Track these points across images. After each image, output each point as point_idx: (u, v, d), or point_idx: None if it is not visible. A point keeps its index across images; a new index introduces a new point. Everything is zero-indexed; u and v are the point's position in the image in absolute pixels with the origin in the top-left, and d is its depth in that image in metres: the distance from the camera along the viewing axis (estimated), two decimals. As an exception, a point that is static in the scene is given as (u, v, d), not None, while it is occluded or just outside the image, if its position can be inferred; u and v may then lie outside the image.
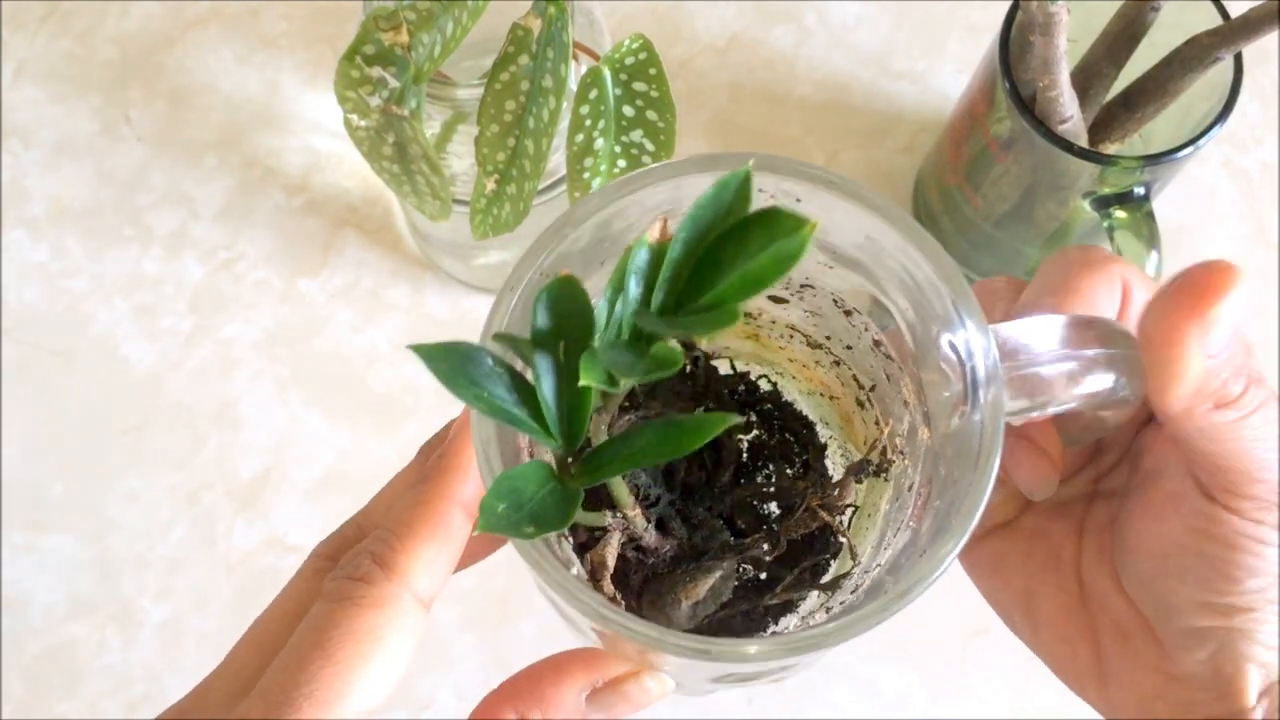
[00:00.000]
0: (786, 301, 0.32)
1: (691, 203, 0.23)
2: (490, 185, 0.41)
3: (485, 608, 0.53)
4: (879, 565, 0.30)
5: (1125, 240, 0.48)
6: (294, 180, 0.59)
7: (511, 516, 0.23)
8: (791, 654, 0.25)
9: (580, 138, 0.41)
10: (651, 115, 0.41)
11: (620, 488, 0.27)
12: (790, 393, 0.35)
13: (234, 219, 0.58)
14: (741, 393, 0.34)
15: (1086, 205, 0.49)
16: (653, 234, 0.24)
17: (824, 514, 0.30)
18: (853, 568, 0.32)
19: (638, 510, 0.28)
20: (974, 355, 0.26)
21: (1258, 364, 0.29)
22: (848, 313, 0.32)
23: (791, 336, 0.34)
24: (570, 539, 0.30)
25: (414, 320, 0.57)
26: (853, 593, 0.30)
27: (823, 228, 0.27)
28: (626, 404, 0.31)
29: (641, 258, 0.24)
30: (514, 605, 0.54)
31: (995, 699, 0.52)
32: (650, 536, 0.29)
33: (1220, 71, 0.46)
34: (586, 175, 0.41)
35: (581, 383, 0.22)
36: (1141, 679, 0.31)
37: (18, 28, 0.61)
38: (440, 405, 0.56)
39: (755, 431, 0.34)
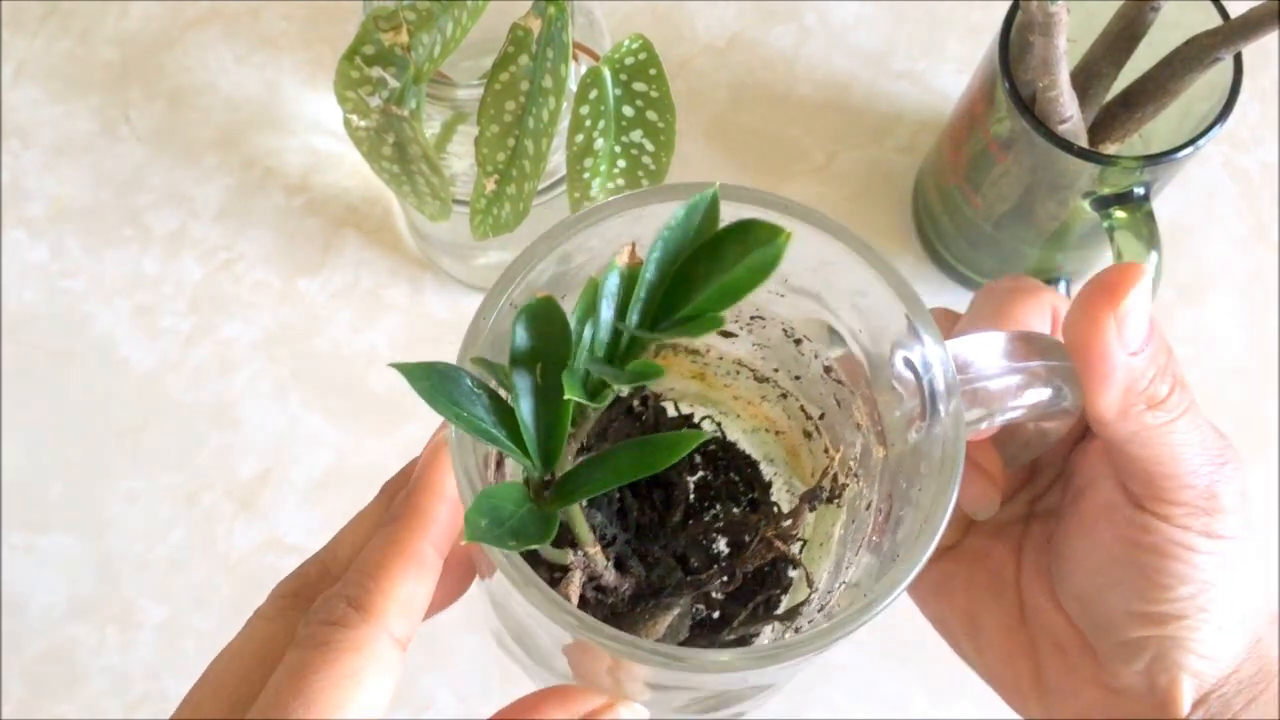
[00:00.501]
0: (736, 335, 0.33)
1: (654, 232, 0.24)
2: (490, 185, 0.41)
3: (485, 608, 0.53)
4: (842, 584, 0.31)
5: (1125, 240, 0.48)
6: (294, 180, 0.59)
7: (494, 531, 0.23)
8: (764, 663, 0.25)
9: (580, 138, 0.41)
10: (651, 115, 0.41)
11: (581, 525, 0.27)
12: (734, 432, 0.35)
13: (234, 219, 0.58)
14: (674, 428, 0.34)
15: (1086, 205, 0.49)
16: (622, 259, 0.24)
17: (779, 544, 0.30)
18: (810, 594, 0.32)
19: (598, 548, 0.28)
20: (932, 369, 0.27)
21: (1180, 368, 0.29)
22: (798, 341, 0.32)
23: (738, 373, 0.34)
24: None
25: (414, 320, 0.57)
26: (810, 621, 0.31)
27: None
28: (578, 447, 0.32)
29: (613, 282, 0.24)
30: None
31: (995, 700, 0.52)
32: (610, 575, 0.29)
33: (1220, 71, 0.46)
34: (586, 175, 0.41)
35: (565, 396, 0.23)
36: (1080, 693, 0.32)
37: (18, 28, 0.61)
38: (440, 405, 0.56)
39: (701, 473, 0.34)
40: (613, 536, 0.31)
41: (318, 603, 0.27)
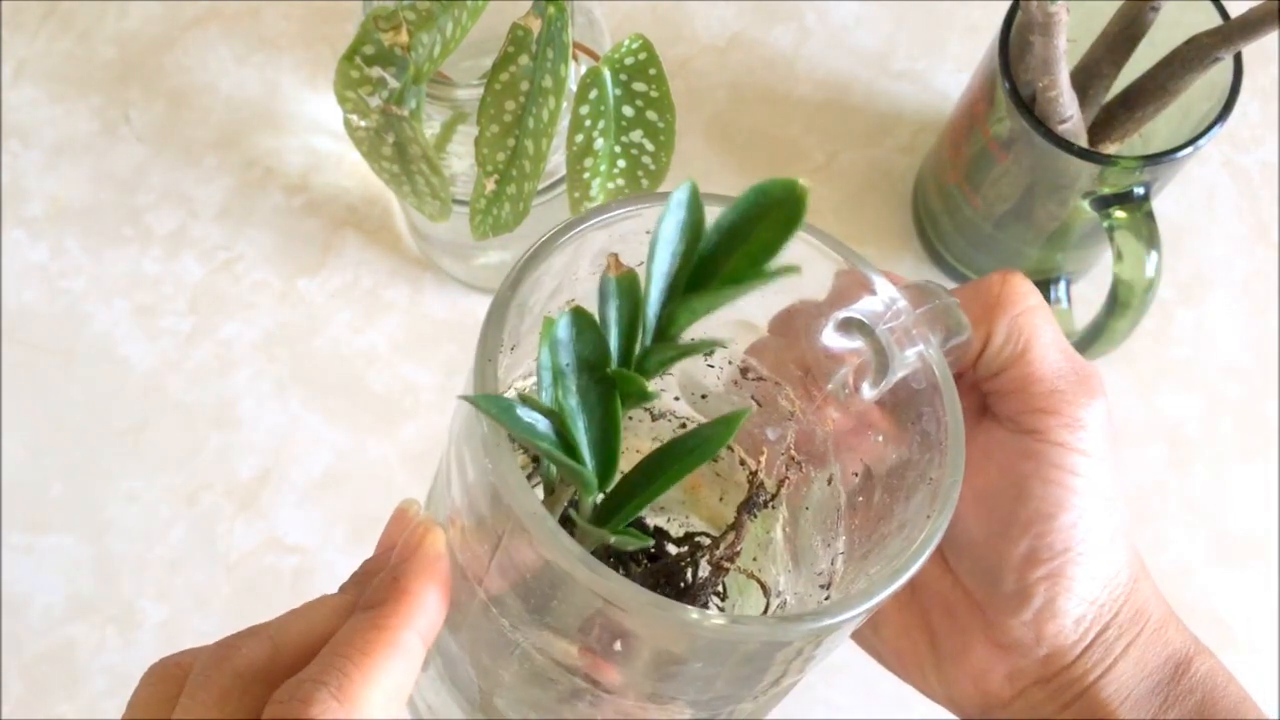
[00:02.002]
0: None
1: (619, 246, 0.24)
2: (490, 185, 0.41)
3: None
4: (823, 571, 0.31)
5: (1125, 240, 0.48)
6: (294, 180, 0.59)
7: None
8: (776, 631, 0.25)
9: (580, 138, 0.41)
10: (651, 115, 0.41)
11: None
12: None
13: (233, 219, 0.58)
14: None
15: (1086, 205, 0.49)
16: (611, 270, 0.24)
17: (727, 564, 0.30)
18: (771, 599, 0.32)
19: None
20: (884, 316, 0.28)
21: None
22: (709, 353, 0.32)
23: (631, 417, 0.33)
24: None
25: (414, 320, 0.57)
26: (819, 604, 0.31)
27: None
28: None
29: (611, 288, 0.24)
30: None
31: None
32: None
33: (1220, 71, 0.46)
34: (586, 175, 0.41)
35: (624, 395, 0.23)
36: (971, 652, 0.33)
37: (18, 28, 0.61)
38: (439, 405, 0.56)
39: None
40: None
41: (286, 689, 0.24)
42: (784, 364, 0.32)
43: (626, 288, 0.24)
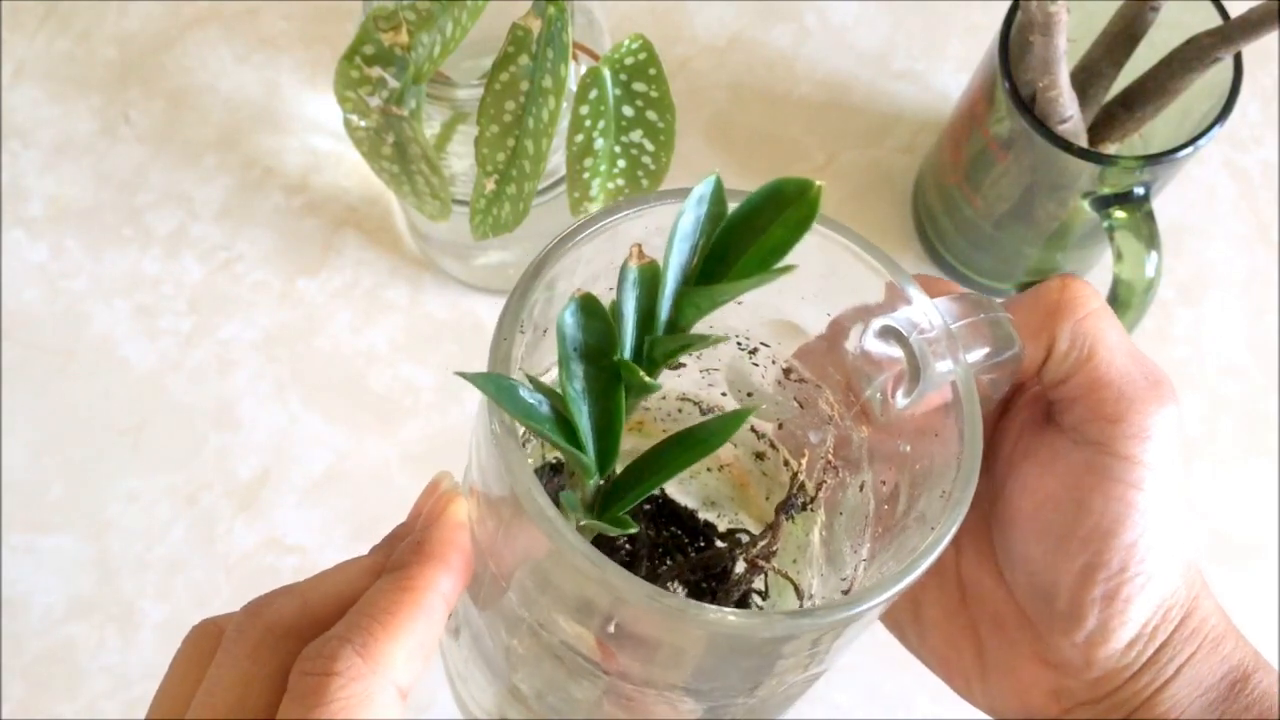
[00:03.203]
0: (683, 365, 0.32)
1: (646, 237, 0.24)
2: (490, 185, 0.41)
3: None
4: (847, 576, 0.31)
5: (1125, 240, 0.48)
6: (293, 180, 0.59)
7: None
8: (842, 612, 0.25)
9: (580, 138, 0.41)
10: (651, 115, 0.41)
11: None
12: (669, 484, 0.34)
13: (233, 219, 0.58)
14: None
15: (1086, 205, 0.49)
16: (632, 260, 0.24)
17: (763, 563, 0.31)
18: (803, 601, 0.32)
19: None
20: (917, 326, 0.27)
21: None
22: (753, 351, 0.32)
23: (681, 410, 0.34)
24: None
25: (414, 320, 0.57)
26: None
27: None
28: None
29: (631, 277, 0.24)
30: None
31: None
32: None
33: (1220, 71, 0.46)
34: (586, 175, 0.41)
35: (625, 377, 0.23)
36: (1019, 668, 0.32)
37: (17, 28, 0.61)
38: (440, 405, 0.56)
39: (648, 532, 0.34)
40: None
41: (314, 647, 0.26)
42: (826, 368, 0.31)
43: (647, 278, 0.24)
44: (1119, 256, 0.48)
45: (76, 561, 0.53)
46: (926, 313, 0.28)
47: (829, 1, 0.62)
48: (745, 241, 0.23)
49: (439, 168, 0.42)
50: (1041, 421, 0.32)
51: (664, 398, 0.34)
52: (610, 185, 0.42)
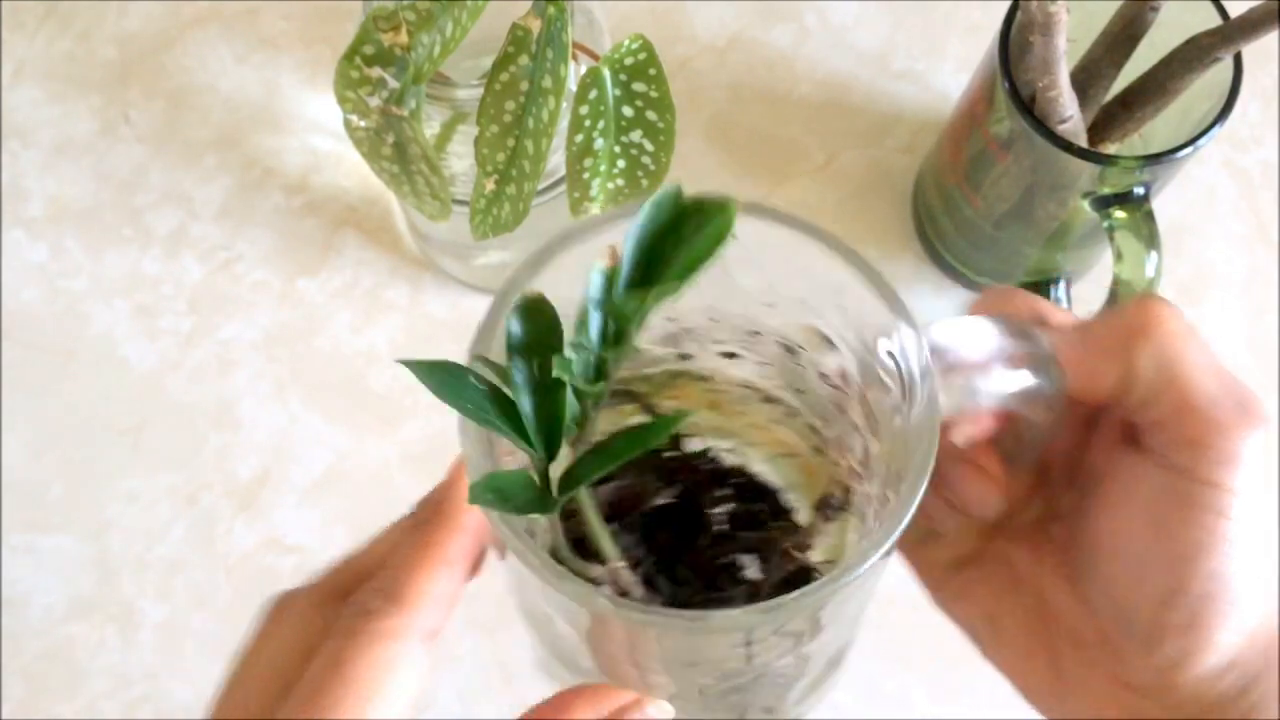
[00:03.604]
0: (739, 356, 0.34)
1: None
2: (490, 185, 0.41)
3: (486, 608, 0.53)
4: None
5: (1125, 240, 0.48)
6: (293, 180, 0.59)
7: (499, 501, 0.25)
8: (770, 614, 0.26)
9: (580, 138, 0.41)
10: (651, 115, 0.41)
11: (606, 540, 0.29)
12: (755, 463, 0.36)
13: (233, 219, 0.58)
14: (709, 465, 0.35)
15: (1086, 205, 0.49)
16: (603, 260, 0.25)
17: (796, 554, 0.32)
18: None
19: (624, 564, 0.29)
20: (908, 354, 0.28)
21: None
22: (793, 351, 0.33)
23: (748, 396, 0.35)
24: None
25: (413, 320, 0.57)
26: None
27: (759, 262, 0.29)
28: (604, 480, 0.33)
29: (596, 280, 0.25)
30: (514, 606, 0.54)
31: (995, 701, 0.52)
32: (637, 590, 0.30)
33: (1220, 71, 0.46)
34: (586, 175, 0.41)
35: (555, 373, 0.24)
36: (1096, 689, 0.32)
37: (17, 28, 0.61)
38: (440, 405, 0.55)
39: (727, 505, 0.35)
40: (640, 559, 0.33)
41: (354, 596, 0.29)
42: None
43: (609, 278, 0.25)
44: (1119, 256, 0.48)
45: (76, 561, 0.53)
46: (913, 342, 0.28)
47: (829, 1, 0.62)
48: (676, 250, 0.25)
49: (439, 168, 0.42)
50: (1126, 442, 0.31)
51: (730, 383, 0.35)
52: (610, 185, 0.42)
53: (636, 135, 0.41)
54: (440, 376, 0.26)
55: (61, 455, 0.55)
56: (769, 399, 0.35)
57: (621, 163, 0.42)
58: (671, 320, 0.33)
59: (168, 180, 0.59)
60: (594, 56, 0.43)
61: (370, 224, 0.58)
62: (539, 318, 0.26)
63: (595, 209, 0.43)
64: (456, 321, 0.57)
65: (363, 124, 0.40)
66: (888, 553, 0.27)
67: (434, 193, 0.43)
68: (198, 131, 0.60)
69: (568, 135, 0.41)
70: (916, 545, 0.35)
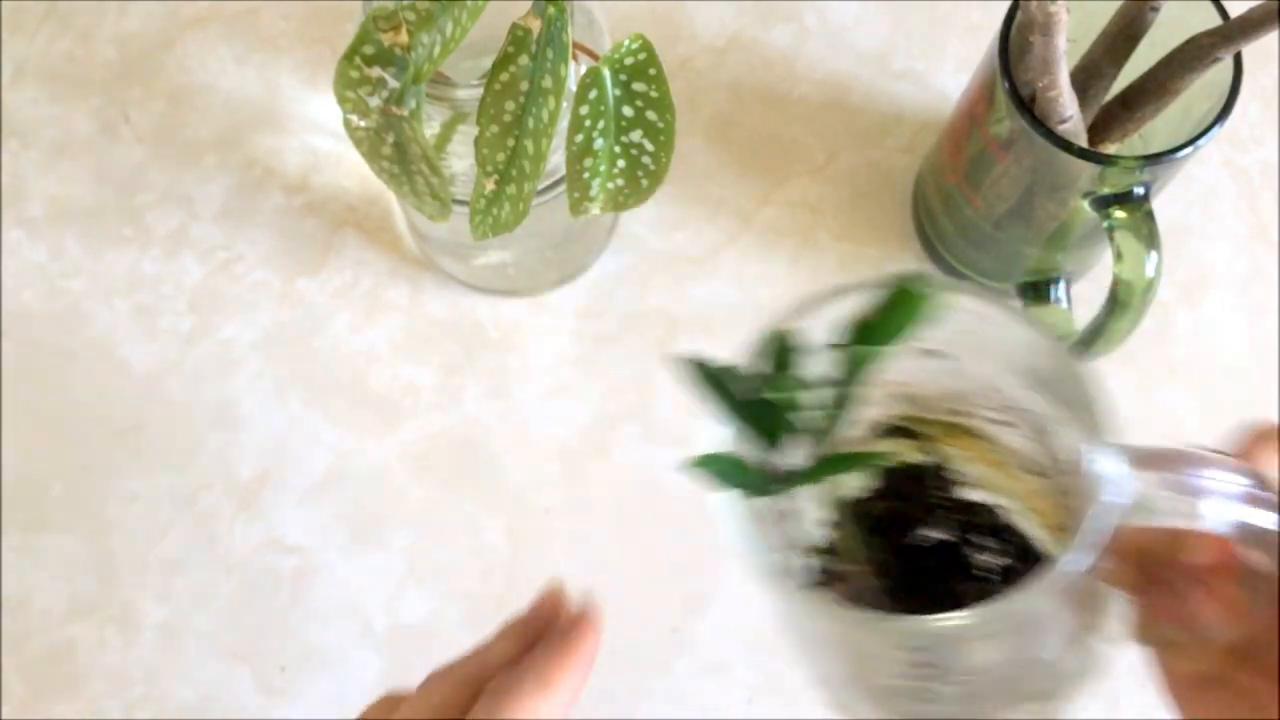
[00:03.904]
0: (1013, 425, 0.36)
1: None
2: (489, 185, 0.41)
3: (486, 608, 0.53)
4: None
5: (1125, 240, 0.48)
6: (293, 180, 0.59)
7: (720, 480, 0.30)
8: (996, 619, 0.29)
9: (580, 138, 0.41)
10: (651, 115, 0.41)
11: (849, 540, 0.34)
12: (1031, 529, 0.37)
13: (233, 219, 0.58)
14: (964, 510, 0.38)
15: (1086, 205, 0.49)
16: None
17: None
18: None
19: (869, 568, 0.34)
20: (1096, 461, 0.29)
21: None
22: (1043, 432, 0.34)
23: (1025, 465, 0.36)
24: None
25: (413, 320, 0.57)
26: None
27: (1010, 348, 0.32)
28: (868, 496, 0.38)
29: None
30: (514, 606, 0.54)
31: None
32: (871, 594, 0.34)
33: (1220, 71, 0.46)
34: (586, 175, 0.41)
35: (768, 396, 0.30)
36: None
37: (17, 28, 0.61)
38: (439, 405, 0.56)
39: (997, 557, 0.37)
40: (889, 568, 0.36)
41: (499, 680, 0.35)
42: None
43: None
44: (1119, 256, 0.48)
45: (76, 561, 0.53)
46: (1112, 458, 0.29)
47: (829, 1, 0.62)
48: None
49: (439, 168, 0.42)
50: None
51: (1004, 447, 0.37)
52: (610, 185, 0.42)
53: (637, 135, 0.41)
54: (691, 370, 0.30)
55: (61, 455, 0.55)
56: (1036, 473, 0.36)
57: (621, 163, 0.42)
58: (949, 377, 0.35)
59: (168, 180, 0.59)
60: (594, 56, 0.43)
61: (370, 224, 0.58)
62: (779, 346, 0.31)
63: (595, 209, 0.43)
64: (456, 321, 0.57)
65: (363, 124, 0.40)
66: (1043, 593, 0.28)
67: (434, 193, 0.43)
68: (198, 131, 0.60)
69: (568, 135, 0.41)
70: (1160, 649, 0.35)
